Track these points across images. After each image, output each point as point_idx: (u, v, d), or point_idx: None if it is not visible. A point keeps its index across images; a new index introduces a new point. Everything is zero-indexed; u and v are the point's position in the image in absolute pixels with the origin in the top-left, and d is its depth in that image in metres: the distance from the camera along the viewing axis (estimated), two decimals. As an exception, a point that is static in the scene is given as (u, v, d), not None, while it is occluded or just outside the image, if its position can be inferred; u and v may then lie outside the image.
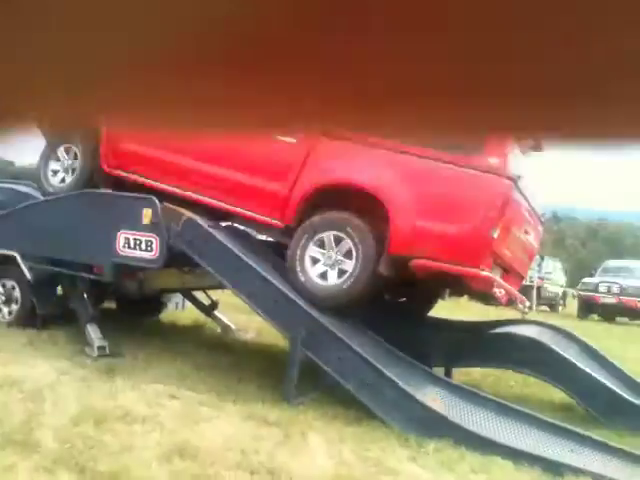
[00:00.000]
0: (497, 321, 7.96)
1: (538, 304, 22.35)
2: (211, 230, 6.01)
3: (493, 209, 5.29)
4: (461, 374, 6.91)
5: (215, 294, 8.66)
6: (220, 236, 5.99)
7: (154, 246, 6.07)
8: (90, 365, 5.71)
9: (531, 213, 6.16)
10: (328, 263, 5.70)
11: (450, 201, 5.40)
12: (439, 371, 6.20)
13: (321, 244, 5.74)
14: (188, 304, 8.91)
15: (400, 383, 4.98)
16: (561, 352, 6.29)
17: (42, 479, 3.31)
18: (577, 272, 32.80)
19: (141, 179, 6.65)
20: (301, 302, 5.56)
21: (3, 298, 6.94)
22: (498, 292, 5.67)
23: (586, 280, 24.04)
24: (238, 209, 6.22)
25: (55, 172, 7.10)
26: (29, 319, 6.72)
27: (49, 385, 4.82)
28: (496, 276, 5.63)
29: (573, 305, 24.67)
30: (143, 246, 6.12)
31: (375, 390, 5.02)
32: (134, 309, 8.35)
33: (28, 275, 6.71)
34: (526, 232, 6.09)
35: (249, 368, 6.36)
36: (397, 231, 5.41)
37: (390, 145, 5.53)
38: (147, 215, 6.14)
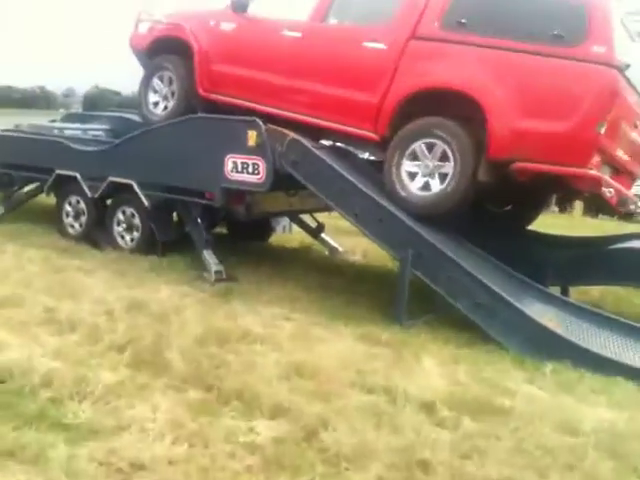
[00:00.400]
0: (616, 236, 7.54)
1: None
2: (315, 150, 5.97)
3: (598, 102, 4.98)
4: (579, 293, 6.68)
5: (321, 217, 8.73)
6: (324, 156, 5.96)
7: (260, 169, 6.13)
8: (209, 289, 5.97)
9: None
10: (426, 173, 5.59)
11: (551, 96, 5.12)
12: (555, 290, 6.01)
13: (414, 156, 5.62)
14: (295, 227, 9.04)
15: (514, 302, 4.89)
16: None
17: (174, 397, 3.55)
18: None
19: (236, 101, 6.73)
20: (408, 220, 5.48)
21: (124, 225, 7.31)
22: (608, 192, 5.24)
23: None
24: (333, 124, 6.15)
25: (155, 103, 7.29)
26: (150, 245, 7.06)
27: (173, 308, 5.11)
28: (605, 175, 5.33)
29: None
30: (250, 169, 6.20)
31: (488, 310, 4.96)
32: (244, 233, 8.58)
33: (146, 202, 6.99)
34: (636, 127, 5.63)
35: (358, 290, 6.44)
36: (496, 133, 5.21)
37: (484, 41, 5.36)
38: (252, 137, 6.17)
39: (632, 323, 5.00)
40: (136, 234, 7.21)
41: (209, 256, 6.53)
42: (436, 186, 5.54)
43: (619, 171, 5.77)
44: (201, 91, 6.90)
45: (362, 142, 6.35)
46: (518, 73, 5.26)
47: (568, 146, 5.05)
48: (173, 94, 7.16)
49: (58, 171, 7.83)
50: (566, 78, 5.10)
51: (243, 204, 6.86)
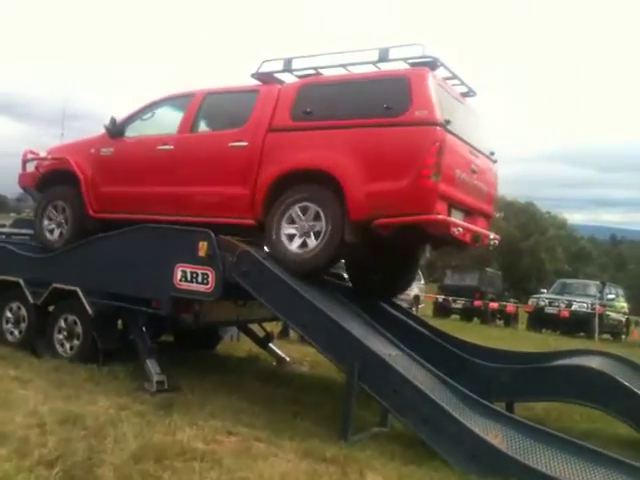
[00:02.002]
0: (559, 352, 7.73)
1: (600, 332, 21.62)
2: (264, 262, 6.05)
3: (427, 156, 5.66)
4: (523, 409, 6.71)
5: (269, 325, 8.69)
6: (274, 267, 6.03)
7: (210, 279, 6.15)
8: (149, 400, 5.77)
9: (474, 153, 6.43)
10: (303, 232, 6.14)
11: (390, 159, 5.81)
12: (500, 405, 6.02)
13: (291, 220, 6.18)
14: (243, 336, 8.95)
15: (460, 418, 4.86)
16: (627, 384, 6.04)
17: (104, 519, 3.34)
18: (640, 298, 31.63)
19: (125, 215, 7.27)
20: (356, 333, 5.52)
21: (65, 333, 7.11)
22: (456, 231, 5.90)
23: (650, 306, 23.19)
24: (214, 219, 6.61)
25: (51, 230, 7.80)
26: (90, 354, 6.85)
27: (110, 421, 4.89)
28: (456, 219, 6.04)
29: (637, 333, 23.76)
30: (200, 279, 6.21)
31: (434, 426, 4.90)
32: (191, 342, 8.44)
33: (89, 310, 6.86)
34: (474, 172, 6.36)
35: (305, 402, 6.33)
36: (352, 198, 5.85)
37: (328, 124, 6.17)
38: (203, 248, 6.23)
39: (575, 441, 5.00)
40: (76, 342, 7.02)
41: (152, 365, 6.36)
42: (312, 244, 6.07)
43: (471, 213, 6.49)
44: (91, 213, 7.49)
45: (243, 230, 6.68)
46: (360, 145, 5.97)
47: (412, 198, 5.70)
48: (67, 220, 7.68)
49: (0, 276, 7.67)
50: (399, 141, 5.82)
51: (191, 313, 6.80)
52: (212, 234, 6.25)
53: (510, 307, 25.06)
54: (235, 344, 9.16)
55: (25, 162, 8.35)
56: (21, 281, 7.51)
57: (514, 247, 50.96)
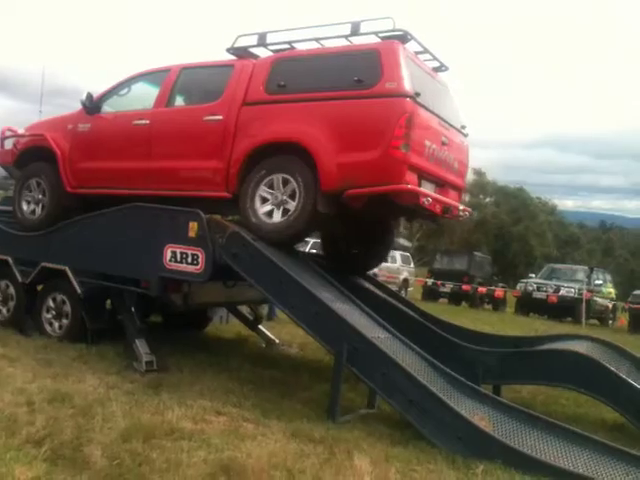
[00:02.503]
0: (546, 336, 7.79)
1: (588, 318, 21.81)
2: (254, 243, 6.04)
3: (396, 127, 5.75)
4: (510, 392, 6.77)
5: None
6: (263, 249, 6.02)
7: (200, 260, 6.14)
8: (138, 379, 5.78)
9: (445, 126, 6.53)
10: (277, 203, 6.24)
11: (361, 130, 5.92)
12: (487, 388, 6.07)
13: (265, 192, 6.29)
14: (233, 317, 8.96)
15: (446, 401, 4.90)
16: (613, 369, 6.10)
17: (92, 497, 3.35)
18: (628, 284, 31.89)
19: (101, 190, 7.37)
20: (344, 315, 5.54)
21: (54, 312, 7.10)
22: (426, 201, 6.01)
23: (637, 292, 23.36)
24: (190, 192, 6.73)
25: (29, 209, 7.82)
26: (79, 333, 6.84)
27: (98, 400, 4.90)
28: (427, 189, 6.20)
29: (624, 318, 23.98)
30: (189, 259, 6.20)
31: (421, 408, 4.94)
32: (180, 322, 8.44)
33: (78, 289, 6.84)
34: (444, 144, 6.46)
35: (293, 383, 6.36)
36: (323, 169, 5.94)
37: (301, 97, 6.28)
38: (193, 228, 6.21)
39: (561, 424, 5.06)
40: (65, 321, 7.00)
41: (141, 345, 6.36)
42: (286, 214, 6.18)
43: (442, 185, 6.63)
44: (69, 189, 7.50)
45: (216, 203, 6.85)
46: (332, 117, 6.07)
47: (382, 168, 5.80)
48: (44, 197, 7.71)
49: (-12, 254, 7.63)
50: (369, 113, 5.94)
51: (179, 293, 6.79)
52: (202, 214, 6.23)
53: (498, 291, 25.20)
54: (224, 325, 9.18)
55: (3, 139, 8.40)
56: (10, 259, 7.47)
57: (504, 232, 51.20)
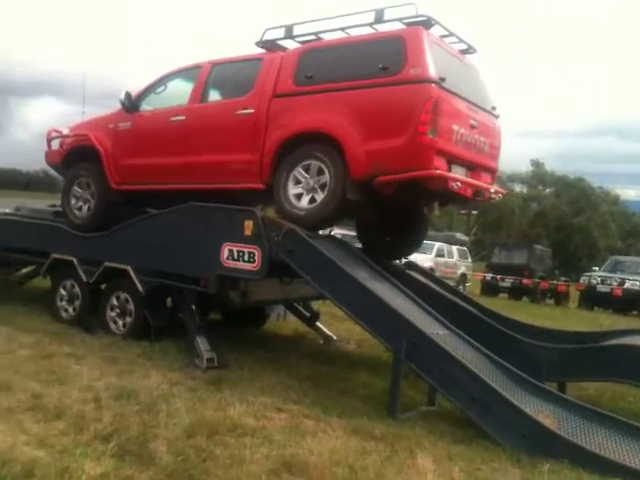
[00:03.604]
0: (612, 331, 7.54)
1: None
2: (310, 240, 6.06)
3: (421, 112, 5.80)
4: (576, 389, 6.58)
5: (315, 304, 8.73)
6: (320, 246, 6.04)
7: (256, 257, 6.19)
8: (200, 376, 5.88)
9: (473, 109, 6.51)
10: (308, 189, 6.37)
11: (388, 117, 5.99)
12: (552, 386, 5.92)
13: (297, 179, 6.43)
14: (290, 314, 9.00)
15: (509, 398, 4.80)
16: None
17: (159, 492, 3.42)
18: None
19: (144, 186, 7.64)
20: (402, 311, 5.49)
21: (118, 310, 7.28)
22: (455, 186, 6.05)
23: None
24: (227, 185, 6.94)
25: (78, 207, 8.12)
26: (142, 331, 7.01)
27: (162, 396, 5.01)
28: (457, 174, 6.23)
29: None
30: (246, 257, 6.26)
31: (482, 405, 4.86)
32: (238, 320, 8.54)
33: (140, 288, 7.00)
34: (473, 127, 6.43)
35: (352, 380, 6.36)
36: (352, 157, 6.06)
37: (328, 87, 6.38)
38: (249, 226, 6.27)
39: (629, 422, 4.89)
40: (129, 319, 7.18)
41: (201, 342, 6.47)
42: (317, 199, 6.31)
43: (473, 168, 6.60)
44: (114, 185, 7.80)
45: (252, 194, 7.01)
46: (359, 105, 6.16)
47: (410, 154, 5.86)
48: (92, 195, 7.99)
49: (55, 255, 7.88)
50: (395, 99, 6.00)
51: (237, 290, 6.87)
52: (258, 212, 6.29)
53: (561, 285, 24.56)
54: (282, 322, 9.24)
55: (50, 140, 8.71)
56: (75, 260, 7.70)
57: (565, 223, 49.87)
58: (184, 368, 6.10)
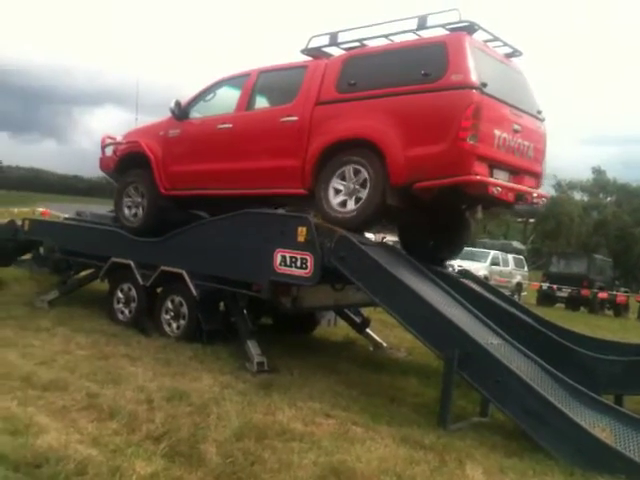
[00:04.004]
0: (674, 344, 7.25)
1: None
2: (363, 247, 6.05)
3: (462, 119, 5.82)
4: (633, 402, 6.35)
5: (365, 311, 8.69)
6: (372, 253, 6.02)
7: (309, 264, 6.21)
8: (250, 379, 5.93)
9: (517, 113, 6.46)
10: (349, 192, 6.45)
11: (428, 124, 6.03)
12: (608, 399, 5.73)
13: (339, 183, 6.51)
14: (341, 321, 9.00)
15: (565, 411, 4.68)
16: None
17: (207, 493, 3.46)
18: None
19: (192, 191, 7.87)
20: (455, 320, 5.42)
21: (172, 313, 7.42)
22: (495, 191, 6.06)
23: None
24: (271, 190, 7.13)
25: (132, 212, 8.37)
26: (195, 334, 7.12)
27: (213, 399, 5.07)
28: (500, 178, 6.25)
29: None
30: (298, 264, 6.28)
31: (537, 418, 4.75)
32: (289, 325, 8.58)
33: (194, 292, 7.12)
34: (516, 131, 6.39)
35: (402, 388, 6.31)
36: (392, 164, 6.11)
37: (371, 94, 6.42)
38: (302, 233, 6.29)
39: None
40: (182, 322, 7.30)
41: (253, 347, 6.53)
42: (358, 203, 6.38)
43: (517, 172, 6.59)
44: (163, 191, 8.01)
45: (294, 199, 7.22)
46: (401, 112, 6.20)
47: (450, 160, 5.89)
48: (144, 201, 8.24)
49: (114, 259, 8.10)
50: (437, 106, 6.03)
51: (290, 296, 6.90)
52: (311, 219, 6.31)
53: (620, 296, 23.79)
54: (332, 328, 9.23)
55: (104, 147, 8.94)
56: (132, 263, 7.89)
57: (626, 233, 48.35)
58: (235, 372, 6.16)
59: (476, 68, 5.97)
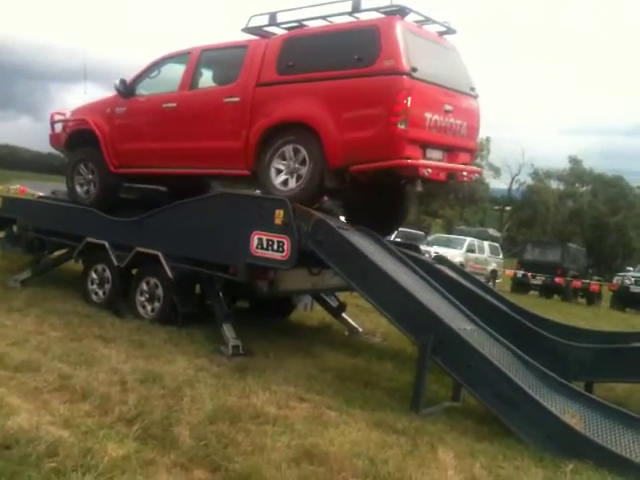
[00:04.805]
0: (644, 332, 7.39)
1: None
2: (340, 230, 6.05)
3: (392, 104, 6.02)
4: (603, 390, 6.47)
5: (341, 295, 8.71)
6: (349, 237, 6.03)
7: (285, 247, 6.19)
8: (225, 363, 5.92)
9: (449, 93, 6.62)
10: (290, 171, 6.59)
11: (361, 109, 6.21)
12: (578, 385, 5.83)
13: (280, 163, 6.63)
14: (317, 305, 9.01)
15: (535, 396, 4.75)
16: None
17: (179, 476, 3.46)
18: None
19: (140, 170, 7.97)
20: (430, 306, 5.46)
21: (147, 295, 7.36)
22: (426, 172, 6.26)
23: None
24: (216, 170, 7.34)
25: (83, 189, 8.43)
26: (170, 316, 7.08)
27: (187, 381, 5.06)
28: (434, 157, 6.53)
29: None
30: (275, 247, 6.27)
31: (507, 403, 4.82)
32: (265, 309, 8.57)
33: (170, 274, 7.06)
34: (448, 111, 6.55)
35: (376, 372, 6.34)
36: (329, 147, 6.27)
37: (309, 77, 6.54)
38: (279, 216, 6.27)
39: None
40: (157, 304, 7.24)
41: (228, 330, 6.51)
42: (298, 180, 6.52)
43: (451, 150, 6.80)
44: (112, 169, 8.07)
45: (238, 179, 7.48)
46: (336, 97, 6.35)
47: (382, 144, 6.10)
48: (94, 177, 8.30)
49: (88, 239, 8.00)
50: (369, 91, 6.20)
51: (266, 280, 6.88)
52: (288, 202, 6.29)
53: (594, 285, 24.15)
54: (308, 313, 9.25)
55: (53, 123, 8.89)
56: (107, 244, 7.79)
57: (601, 222, 49.02)
58: (210, 355, 6.15)
59: (407, 53, 6.10)
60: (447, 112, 6.55)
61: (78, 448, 3.54)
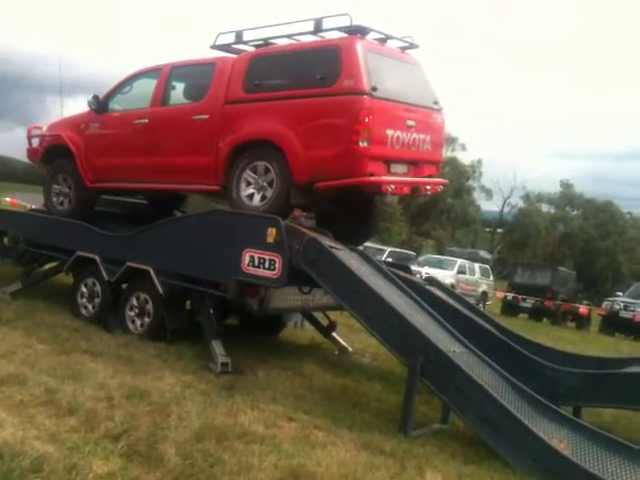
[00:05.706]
0: (632, 358, 7.43)
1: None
2: (331, 250, 6.07)
3: (353, 124, 6.13)
4: (591, 415, 6.47)
5: (331, 314, 8.70)
6: (341, 257, 6.04)
7: (277, 265, 6.19)
8: (213, 380, 5.88)
9: (411, 109, 6.71)
10: (258, 188, 6.72)
11: (325, 128, 6.37)
12: (567, 410, 5.83)
13: (247, 181, 6.77)
14: (307, 323, 8.99)
15: (523, 420, 4.75)
16: None
17: (164, 494, 3.43)
18: None
19: (114, 184, 8.16)
20: (420, 327, 5.47)
21: (136, 310, 7.33)
22: (389, 189, 6.45)
23: None
24: (187, 186, 7.62)
25: (58, 201, 8.53)
26: (159, 332, 7.04)
27: (175, 398, 5.03)
28: (398, 172, 6.67)
29: None
30: (267, 265, 6.26)
31: (495, 426, 4.82)
32: (255, 326, 8.54)
33: (160, 289, 7.04)
34: (410, 127, 6.64)
35: (365, 393, 6.33)
36: (294, 164, 6.41)
37: (274, 95, 6.70)
38: (271, 234, 6.27)
39: (645, 451, 4.79)
40: (147, 320, 7.21)
41: (217, 347, 6.48)
42: (266, 197, 6.66)
43: (415, 163, 6.93)
44: (87, 183, 8.17)
45: (210, 195, 7.73)
46: (300, 115, 6.49)
47: (345, 162, 6.23)
48: (70, 191, 8.42)
49: (79, 252, 7.97)
50: (331, 110, 6.33)
51: (257, 298, 6.87)
52: (281, 221, 6.30)
53: (583, 309, 24.20)
54: (299, 331, 9.22)
55: (30, 137, 8.93)
56: (97, 258, 7.77)
57: (591, 247, 49.29)
58: (198, 371, 6.11)
59: (367, 72, 6.21)
60: (410, 127, 6.66)
61: (63, 464, 3.51)
